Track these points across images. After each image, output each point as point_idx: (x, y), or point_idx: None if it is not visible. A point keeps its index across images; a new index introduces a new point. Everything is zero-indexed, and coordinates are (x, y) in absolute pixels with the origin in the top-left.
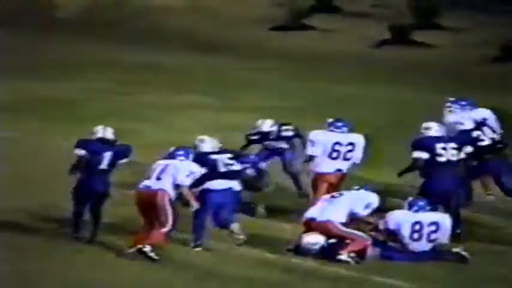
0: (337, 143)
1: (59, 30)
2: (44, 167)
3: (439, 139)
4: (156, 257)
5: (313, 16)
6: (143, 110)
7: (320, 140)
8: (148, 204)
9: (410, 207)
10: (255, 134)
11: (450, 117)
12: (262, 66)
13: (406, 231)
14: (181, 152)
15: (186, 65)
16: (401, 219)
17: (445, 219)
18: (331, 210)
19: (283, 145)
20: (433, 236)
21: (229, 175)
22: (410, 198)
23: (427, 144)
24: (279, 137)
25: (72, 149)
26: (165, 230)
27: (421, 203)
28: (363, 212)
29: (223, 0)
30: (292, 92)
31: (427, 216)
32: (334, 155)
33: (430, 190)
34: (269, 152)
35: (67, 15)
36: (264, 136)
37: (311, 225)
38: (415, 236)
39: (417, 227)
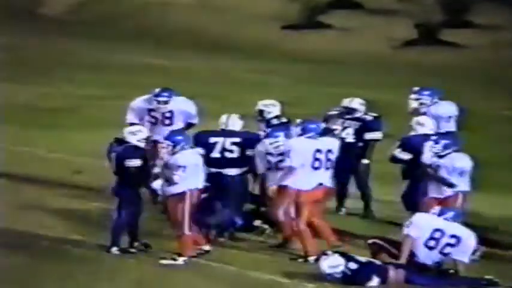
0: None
1: (44, 28)
2: (27, 181)
3: (430, 137)
4: None
5: (330, 13)
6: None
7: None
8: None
9: (439, 214)
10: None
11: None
12: (273, 68)
13: (423, 237)
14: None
15: (188, 67)
16: (423, 222)
17: (470, 237)
18: (324, 174)
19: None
20: (447, 250)
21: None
22: (438, 207)
23: (416, 143)
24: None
25: (59, 161)
26: None
27: (449, 213)
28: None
29: None
30: (306, 98)
31: (451, 227)
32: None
33: (417, 194)
34: None
35: (54, 12)
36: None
37: (323, 192)
38: (431, 243)
39: (437, 234)
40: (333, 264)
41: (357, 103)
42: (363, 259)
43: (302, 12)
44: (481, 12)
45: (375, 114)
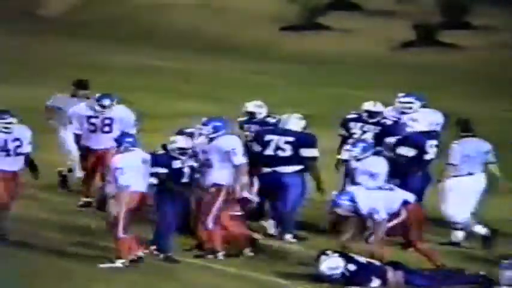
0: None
1: (43, 29)
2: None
3: (428, 135)
4: None
5: (329, 14)
6: (138, 118)
7: None
8: None
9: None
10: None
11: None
12: (272, 69)
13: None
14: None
15: (188, 68)
16: (365, 199)
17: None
18: None
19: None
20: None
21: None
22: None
23: (416, 140)
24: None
25: (58, 163)
26: None
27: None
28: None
29: None
30: (305, 99)
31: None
32: None
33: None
34: None
35: (53, 14)
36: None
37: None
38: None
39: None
40: (332, 265)
41: (380, 107)
42: (362, 260)
43: (301, 14)
44: (479, 14)
45: (394, 119)
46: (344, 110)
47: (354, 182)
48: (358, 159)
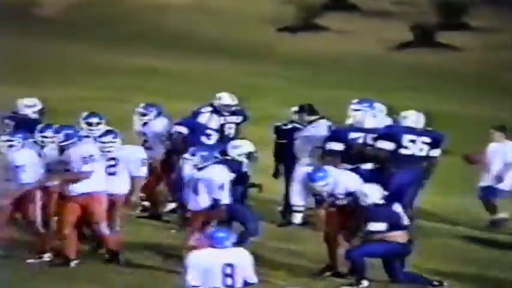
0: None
1: (39, 30)
2: None
3: (410, 130)
4: None
5: (326, 15)
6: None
7: None
8: None
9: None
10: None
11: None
12: (269, 71)
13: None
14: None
15: (185, 69)
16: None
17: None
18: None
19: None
20: None
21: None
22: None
23: (394, 134)
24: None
25: None
26: None
27: None
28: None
29: None
30: (302, 100)
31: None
32: None
33: (387, 184)
34: None
35: (49, 14)
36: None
37: None
38: None
39: None
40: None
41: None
42: None
43: (298, 15)
44: (476, 15)
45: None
46: (340, 111)
47: (196, 193)
48: (200, 169)
